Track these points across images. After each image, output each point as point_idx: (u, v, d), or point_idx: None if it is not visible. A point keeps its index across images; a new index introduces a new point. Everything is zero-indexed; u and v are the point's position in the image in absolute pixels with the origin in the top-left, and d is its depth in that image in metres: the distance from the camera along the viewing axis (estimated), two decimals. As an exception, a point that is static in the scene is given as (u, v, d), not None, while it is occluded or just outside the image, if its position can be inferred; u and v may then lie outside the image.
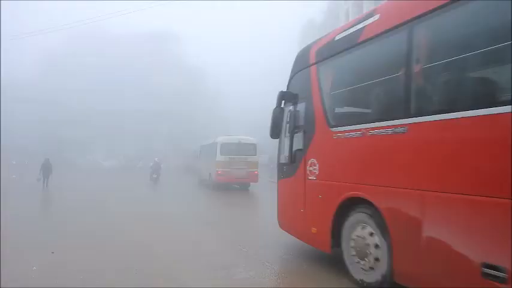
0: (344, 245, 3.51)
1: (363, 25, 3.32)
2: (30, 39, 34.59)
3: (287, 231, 4.64)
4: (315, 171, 3.92)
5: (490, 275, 2.13)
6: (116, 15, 42.21)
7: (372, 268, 3.13)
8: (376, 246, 3.08)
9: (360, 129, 3.25)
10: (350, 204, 3.38)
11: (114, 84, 37.36)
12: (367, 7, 18.23)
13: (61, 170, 17.40)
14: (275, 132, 4.57)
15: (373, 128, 3.08)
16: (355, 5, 23.48)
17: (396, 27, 2.91)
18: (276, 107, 4.56)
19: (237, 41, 50.91)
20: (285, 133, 4.60)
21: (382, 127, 2.97)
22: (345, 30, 3.65)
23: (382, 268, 3.00)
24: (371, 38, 3.20)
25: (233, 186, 14.39)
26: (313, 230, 3.90)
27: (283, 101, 4.59)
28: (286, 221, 4.64)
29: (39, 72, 38.70)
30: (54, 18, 37.48)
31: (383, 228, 2.97)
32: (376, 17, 3.21)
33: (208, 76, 42.95)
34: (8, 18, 33.61)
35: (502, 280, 2.07)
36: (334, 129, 3.64)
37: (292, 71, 4.66)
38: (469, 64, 2.42)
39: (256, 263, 4.10)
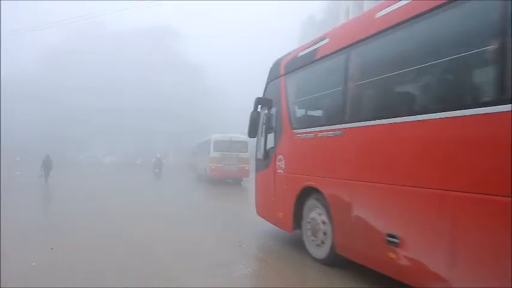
0: (303, 226, 4.32)
1: (317, 46, 4.11)
2: (29, 37, 34.96)
3: (262, 217, 5.45)
4: (282, 165, 4.73)
5: (391, 241, 2.93)
6: (115, 12, 42.40)
7: (323, 242, 3.94)
8: (324, 223, 3.88)
9: (312, 132, 4.05)
10: (306, 193, 4.19)
11: (114, 81, 37.70)
12: (367, 6, 18.20)
13: (62, 167, 18.22)
14: (252, 132, 5.36)
15: (321, 131, 3.89)
16: (356, 5, 23.18)
17: (338, 50, 3.70)
18: (253, 110, 5.34)
19: (237, 39, 51.20)
20: (261, 133, 5.38)
21: (326, 130, 3.77)
22: (305, 49, 4.42)
23: (329, 242, 3.81)
24: (321, 58, 3.99)
25: (228, 181, 15.23)
26: (280, 214, 4.72)
27: (259, 106, 5.37)
28: (261, 208, 5.46)
29: (38, 69, 39.02)
30: (53, 16, 37.78)
31: (327, 210, 3.77)
32: (326, 40, 3.99)
33: (208, 74, 43.19)
34: (8, 17, 33.83)
35: (396, 244, 2.87)
36: (295, 130, 4.44)
37: (267, 80, 5.43)
38: (389, 82, 3.21)
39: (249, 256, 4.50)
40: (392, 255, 2.91)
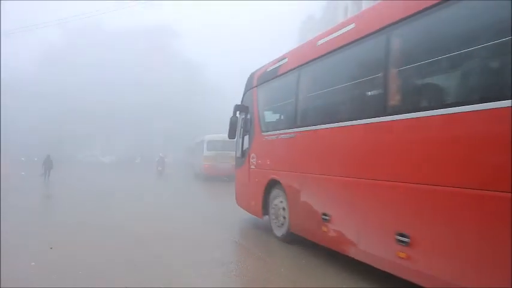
0: (269, 212, 5.30)
1: (279, 64, 5.09)
2: (28, 35, 35.02)
3: (240, 206, 6.44)
4: (254, 162, 5.71)
5: (324, 218, 3.89)
6: (112, 12, 42.94)
7: (282, 224, 4.92)
8: (283, 209, 4.86)
9: (275, 134, 5.04)
10: (271, 184, 5.17)
11: (113, 80, 38.15)
12: (366, 5, 18.29)
13: (62, 166, 19.06)
14: (231, 134, 6.32)
15: (281, 134, 4.87)
16: (355, 4, 22.66)
17: (291, 69, 4.68)
18: (232, 116, 6.29)
19: (236, 38, 51.88)
20: (239, 135, 6.34)
21: (284, 133, 4.75)
22: (272, 66, 5.39)
23: (286, 223, 4.79)
24: (281, 74, 4.96)
25: (223, 179, 16.17)
26: (253, 203, 5.71)
27: (237, 112, 6.33)
28: (239, 199, 6.46)
29: (36, 68, 39.48)
30: (50, 15, 38.26)
31: (286, 198, 4.75)
32: (285, 60, 4.96)
33: (207, 73, 43.56)
34: (4, 17, 33.77)
35: (327, 220, 3.84)
36: (264, 133, 5.42)
37: (244, 89, 6.40)
38: (324, 97, 4.16)
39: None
40: (324, 228, 3.89)
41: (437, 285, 2.57)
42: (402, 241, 2.80)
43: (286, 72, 4.85)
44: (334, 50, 3.82)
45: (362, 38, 3.41)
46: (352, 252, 3.51)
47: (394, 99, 3.05)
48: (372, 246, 3.28)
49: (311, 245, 4.36)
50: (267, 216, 5.45)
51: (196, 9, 63.80)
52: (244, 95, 6.39)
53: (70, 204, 8.90)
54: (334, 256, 3.91)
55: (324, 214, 3.91)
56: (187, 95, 39.27)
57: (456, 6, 2.47)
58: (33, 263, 3.90)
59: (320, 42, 4.17)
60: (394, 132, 2.99)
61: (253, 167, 5.77)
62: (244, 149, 6.15)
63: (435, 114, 2.60)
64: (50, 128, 35.74)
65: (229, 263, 4.05)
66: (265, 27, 53.79)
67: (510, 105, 2.05)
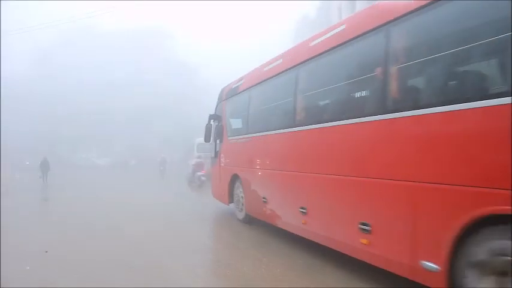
0: (234, 200, 6.84)
1: (238, 84, 6.65)
2: (22, 37, 34.55)
3: (214, 197, 7.99)
4: (223, 161, 7.29)
5: (263, 201, 5.43)
6: (106, 12, 43.19)
7: (242, 209, 6.46)
8: (242, 197, 6.41)
9: (236, 138, 6.59)
10: (234, 178, 6.72)
11: (107, 82, 38.44)
12: (360, 5, 18.17)
13: (58, 168, 20.06)
14: (207, 138, 7.84)
15: (240, 138, 6.42)
16: (348, 4, 22.38)
17: (245, 89, 6.23)
18: (207, 123, 7.81)
19: (232, 38, 52.74)
20: (213, 139, 7.88)
21: (242, 138, 6.30)
22: (235, 84, 6.93)
23: (244, 208, 6.34)
24: (239, 92, 6.53)
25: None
26: (222, 193, 7.29)
27: (211, 120, 7.85)
28: (214, 192, 8.05)
29: (30, 70, 39.20)
30: (46, 16, 37.18)
31: (243, 188, 6.30)
32: (242, 81, 6.52)
33: (202, 74, 43.41)
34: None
35: (265, 202, 5.39)
36: (229, 138, 6.99)
37: (217, 101, 7.93)
38: (263, 112, 5.71)
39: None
40: (264, 209, 5.44)
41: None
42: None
43: (242, 91, 6.42)
44: (271, 77, 5.38)
45: (287, 70, 4.92)
46: (279, 223, 5.06)
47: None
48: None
49: (264, 224, 5.90)
50: (232, 204, 6.99)
51: (191, 10, 64.91)
52: (216, 106, 7.94)
53: (71, 209, 8.95)
54: (280, 232, 5.41)
55: (264, 198, 5.47)
56: (183, 96, 39.64)
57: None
58: (28, 267, 4.00)
59: (265, 68, 5.73)
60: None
61: (223, 165, 7.34)
62: (216, 150, 7.70)
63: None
64: (44, 131, 36.12)
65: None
66: (261, 27, 54.92)
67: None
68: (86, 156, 37.20)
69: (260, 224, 6.00)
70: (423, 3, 2.81)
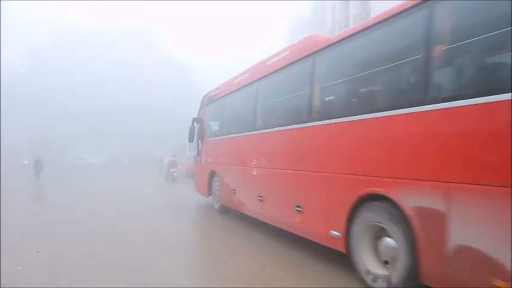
0: (212, 192, 7.92)
1: (215, 93, 7.76)
2: (14, 35, 34.26)
3: (197, 191, 9.07)
4: (204, 159, 8.40)
5: (233, 191, 6.53)
6: (98, 11, 42.58)
7: (218, 200, 7.57)
8: (218, 190, 7.50)
9: (214, 139, 7.72)
10: (212, 173, 7.83)
11: (100, 81, 38.64)
12: (353, 4, 19.93)
13: (51, 168, 20.37)
14: (190, 139, 8.90)
15: (217, 139, 7.54)
16: (342, 4, 22.42)
17: (219, 98, 7.34)
18: (191, 125, 8.88)
19: (226, 38, 53.29)
20: (196, 140, 8.95)
21: (218, 139, 7.40)
22: (213, 92, 8.00)
23: (219, 199, 7.42)
24: (216, 100, 7.61)
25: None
26: (203, 187, 8.43)
27: (195, 123, 8.91)
28: (196, 186, 9.16)
29: (22, 70, 38.87)
30: (37, 15, 37.52)
31: (218, 181, 7.40)
32: (219, 90, 7.61)
33: (195, 74, 43.66)
34: None
35: (235, 192, 6.48)
36: (208, 139, 8.08)
37: (200, 106, 8.98)
38: (238, 116, 6.79)
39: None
40: (233, 198, 6.55)
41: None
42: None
43: (218, 99, 7.51)
44: (239, 88, 6.51)
45: (250, 83, 6.03)
46: (245, 210, 6.15)
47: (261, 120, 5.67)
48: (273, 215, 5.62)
49: (238, 214, 6.99)
50: (211, 197, 8.08)
51: (187, 9, 65.48)
52: (199, 110, 9.02)
53: (62, 208, 8.93)
54: (249, 219, 6.51)
55: (233, 189, 6.56)
56: (176, 95, 39.63)
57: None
58: (19, 267, 4.01)
59: (236, 81, 6.87)
60: (273, 139, 5.25)
61: (203, 162, 8.45)
62: (199, 150, 8.78)
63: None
64: (36, 130, 36.25)
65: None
66: (256, 28, 55.76)
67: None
68: (80, 156, 36.68)
69: (234, 214, 7.10)
70: (337, 39, 3.96)
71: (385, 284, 3.15)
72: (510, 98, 2.18)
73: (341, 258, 3.87)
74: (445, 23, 2.79)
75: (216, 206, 7.74)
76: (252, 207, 5.93)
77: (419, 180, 2.81)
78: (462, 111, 2.49)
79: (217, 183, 7.61)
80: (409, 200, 2.88)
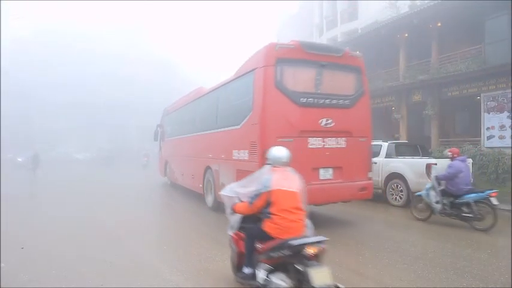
0: (166, 173, 12.73)
1: (170, 107, 12.96)
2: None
3: (159, 173, 14.03)
4: (162, 152, 13.75)
5: (174, 173, 11.29)
6: (84, 5, 42.31)
7: (169, 178, 12.36)
8: (169, 172, 12.26)
9: (167, 140, 12.88)
10: (166, 161, 13.08)
11: (85, 76, 39.25)
12: (340, 4, 21.78)
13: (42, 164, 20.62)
14: (155, 139, 13.93)
15: (168, 140, 12.78)
16: (329, 3, 23.77)
17: (171, 111, 12.46)
18: (155, 129, 13.87)
19: (215, 35, 53.91)
20: (159, 139, 13.78)
21: (168, 140, 12.65)
22: (171, 106, 12.90)
23: (170, 177, 12.22)
24: (169, 113, 12.69)
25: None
26: (161, 170, 13.89)
27: (158, 127, 13.82)
28: (159, 170, 14.60)
29: (4, 63, 36.99)
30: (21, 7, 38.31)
31: (170, 167, 12.24)
32: (172, 105, 12.55)
33: (182, 70, 44.73)
34: None
35: (183, 176, 11.27)
36: (165, 139, 13.26)
37: (162, 115, 13.79)
38: (175, 127, 11.58)
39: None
40: (176, 176, 11.60)
41: (196, 188, 9.32)
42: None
43: (170, 113, 12.49)
44: (177, 108, 11.45)
45: (179, 107, 10.80)
46: (180, 182, 11.07)
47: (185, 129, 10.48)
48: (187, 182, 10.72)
49: (177, 185, 11.68)
50: (166, 177, 12.92)
51: (174, 6, 66.96)
52: (161, 118, 14.00)
53: (56, 203, 9.60)
54: (179, 187, 11.21)
55: (174, 170, 11.44)
56: (163, 92, 38.09)
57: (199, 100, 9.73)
58: (3, 264, 4.20)
59: (177, 103, 11.64)
60: (188, 140, 10.45)
61: (162, 155, 13.55)
62: (160, 146, 13.69)
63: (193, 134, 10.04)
64: (18, 125, 36.31)
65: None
66: (244, 26, 57.09)
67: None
68: (65, 151, 37.36)
69: (175, 185, 11.87)
70: (195, 97, 9.35)
71: (211, 202, 8.21)
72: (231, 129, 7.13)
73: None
74: (220, 100, 7.94)
75: (168, 182, 12.80)
76: (179, 179, 11.28)
77: (216, 159, 7.94)
78: (225, 132, 7.51)
79: (169, 168, 12.44)
80: (213, 166, 8.05)
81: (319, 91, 6.08)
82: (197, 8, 68.34)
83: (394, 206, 8.54)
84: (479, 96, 11.81)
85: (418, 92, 13.92)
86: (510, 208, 7.78)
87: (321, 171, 6.03)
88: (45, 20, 40.57)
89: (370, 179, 6.54)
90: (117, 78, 39.58)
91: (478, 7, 11.29)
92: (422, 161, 8.24)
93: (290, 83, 5.88)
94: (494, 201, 5.96)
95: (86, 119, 38.67)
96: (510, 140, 10.73)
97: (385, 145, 9.31)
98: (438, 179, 6.58)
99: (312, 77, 6.06)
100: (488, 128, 11.45)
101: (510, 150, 10.44)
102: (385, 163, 8.99)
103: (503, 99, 11.06)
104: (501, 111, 11.10)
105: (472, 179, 7.19)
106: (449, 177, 6.37)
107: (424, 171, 7.92)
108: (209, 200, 8.14)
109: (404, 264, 4.39)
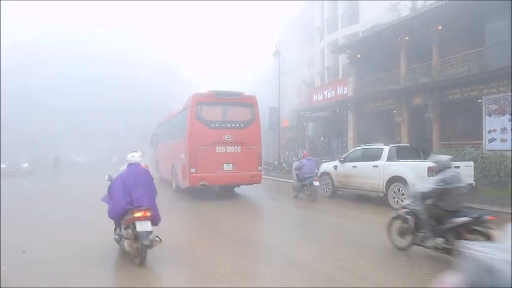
0: (158, 170, 12.90)
1: (162, 119, 13.44)
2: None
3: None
4: (157, 154, 14.07)
5: (164, 169, 11.50)
6: (84, 6, 41.90)
7: (160, 174, 12.45)
8: (160, 169, 12.43)
9: (160, 144, 13.53)
10: (159, 161, 13.28)
11: (86, 80, 39.46)
12: (341, 5, 21.35)
13: (40, 167, 23.21)
14: (152, 144, 14.78)
15: (161, 145, 13.13)
16: (330, 4, 23.38)
17: (162, 123, 13.22)
18: (152, 136, 14.68)
19: (215, 37, 54.17)
20: (154, 145, 14.26)
21: (162, 144, 12.96)
22: (163, 118, 13.24)
23: (160, 173, 12.35)
24: (161, 124, 13.29)
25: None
26: (155, 167, 13.68)
27: (153, 135, 14.45)
28: (154, 170, 14.19)
29: (4, 66, 36.79)
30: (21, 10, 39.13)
31: (160, 165, 12.63)
32: (164, 118, 12.79)
33: (183, 72, 43.81)
34: None
35: (174, 168, 11.45)
36: (158, 144, 13.91)
37: (156, 125, 14.25)
38: (165, 135, 11.78)
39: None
40: (163, 171, 11.84)
41: (167, 178, 11.63)
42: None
43: (161, 124, 12.87)
44: (166, 121, 11.88)
45: (168, 120, 11.27)
46: (165, 176, 11.95)
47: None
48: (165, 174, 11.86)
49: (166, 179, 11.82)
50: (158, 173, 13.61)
51: (177, 7, 67.02)
52: (156, 127, 14.62)
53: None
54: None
55: (165, 167, 11.79)
56: (163, 95, 38.63)
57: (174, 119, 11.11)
58: (3, 268, 4.17)
59: (166, 116, 12.01)
60: (171, 145, 11.72)
61: (157, 157, 13.95)
62: (156, 150, 14.40)
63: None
64: (19, 128, 36.16)
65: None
66: (246, 28, 57.78)
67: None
68: (65, 154, 36.98)
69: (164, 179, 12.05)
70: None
71: (174, 186, 11.29)
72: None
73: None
74: (176, 121, 10.46)
75: (158, 176, 13.59)
76: (166, 173, 12.23)
77: (175, 158, 10.93)
78: (178, 141, 10.66)
79: (158, 166, 13.74)
80: (175, 163, 10.91)
81: (223, 119, 9.93)
82: (198, 11, 68.83)
83: (396, 209, 8.33)
84: (481, 99, 11.66)
85: (419, 95, 13.76)
86: (510, 211, 7.56)
87: (225, 165, 9.83)
88: (45, 23, 40.77)
89: (259, 170, 10.36)
90: (118, 80, 39.50)
91: (478, 10, 11.25)
92: (424, 164, 8.15)
93: (205, 115, 9.77)
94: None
95: (86, 122, 38.91)
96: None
97: (386, 148, 9.23)
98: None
99: (220, 111, 9.92)
100: (489, 131, 11.27)
101: (511, 153, 10.35)
102: (386, 166, 8.91)
103: (505, 102, 10.88)
104: (502, 114, 10.94)
105: (474, 182, 7.14)
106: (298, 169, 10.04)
107: (426, 175, 7.78)
108: (174, 185, 11.46)
109: (406, 267, 4.36)
